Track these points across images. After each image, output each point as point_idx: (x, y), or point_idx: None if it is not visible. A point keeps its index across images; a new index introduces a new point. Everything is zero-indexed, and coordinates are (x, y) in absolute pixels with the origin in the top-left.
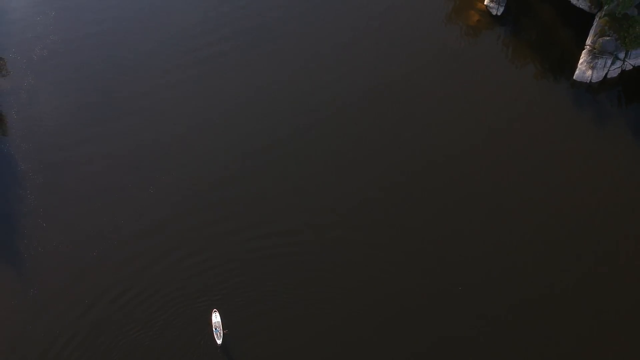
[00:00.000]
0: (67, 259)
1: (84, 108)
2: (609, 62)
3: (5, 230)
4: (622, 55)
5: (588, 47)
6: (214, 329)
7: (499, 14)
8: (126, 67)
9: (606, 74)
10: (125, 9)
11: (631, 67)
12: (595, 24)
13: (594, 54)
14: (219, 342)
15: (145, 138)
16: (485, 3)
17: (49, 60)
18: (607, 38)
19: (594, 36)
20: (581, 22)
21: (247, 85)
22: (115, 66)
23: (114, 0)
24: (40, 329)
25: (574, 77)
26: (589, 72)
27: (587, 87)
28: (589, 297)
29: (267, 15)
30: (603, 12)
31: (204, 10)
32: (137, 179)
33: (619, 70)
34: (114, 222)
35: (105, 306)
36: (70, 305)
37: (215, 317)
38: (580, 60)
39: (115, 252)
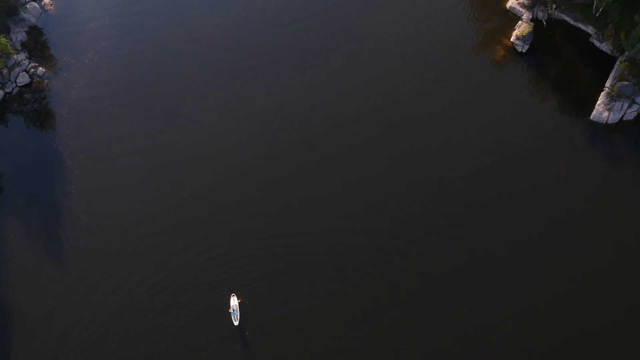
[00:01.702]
0: (103, 250)
1: (128, 112)
2: (626, 105)
3: (51, 221)
4: (639, 99)
5: (607, 89)
6: (231, 311)
7: (524, 51)
8: (172, 79)
9: (622, 116)
10: (174, 22)
11: None
12: (615, 67)
13: (612, 97)
14: (236, 323)
15: (182, 144)
16: (511, 40)
17: (100, 65)
18: (626, 82)
19: (614, 79)
20: (602, 64)
21: (273, 97)
22: (163, 78)
23: (165, 15)
24: (76, 309)
25: (591, 116)
26: (606, 114)
27: (603, 127)
28: (584, 307)
29: (292, 44)
30: (624, 57)
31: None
32: (172, 182)
33: (635, 114)
34: (147, 219)
35: (135, 292)
36: (105, 290)
37: (233, 301)
38: (598, 102)
39: (148, 245)
